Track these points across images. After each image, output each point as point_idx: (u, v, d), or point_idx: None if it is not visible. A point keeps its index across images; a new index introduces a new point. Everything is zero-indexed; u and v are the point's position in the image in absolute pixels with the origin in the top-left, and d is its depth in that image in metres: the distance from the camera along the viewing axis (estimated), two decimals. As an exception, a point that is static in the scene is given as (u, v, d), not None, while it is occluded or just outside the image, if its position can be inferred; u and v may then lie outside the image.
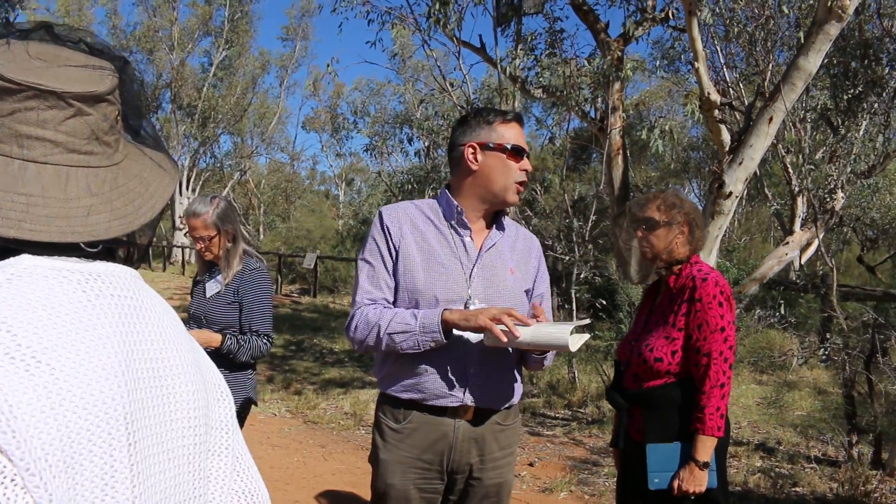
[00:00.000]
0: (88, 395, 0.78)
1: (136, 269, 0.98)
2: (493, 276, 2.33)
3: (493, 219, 2.41)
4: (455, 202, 2.34)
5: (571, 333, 2.13)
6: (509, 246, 2.42)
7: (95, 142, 0.88)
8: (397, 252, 2.29)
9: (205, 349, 3.23)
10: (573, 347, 2.14)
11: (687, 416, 2.56)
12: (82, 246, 0.86)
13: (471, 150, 2.32)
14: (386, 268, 2.29)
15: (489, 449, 2.34)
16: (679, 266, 2.70)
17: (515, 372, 2.41)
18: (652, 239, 2.69)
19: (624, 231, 2.76)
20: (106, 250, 0.92)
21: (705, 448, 2.52)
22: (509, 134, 2.32)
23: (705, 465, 2.52)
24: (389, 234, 2.31)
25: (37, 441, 0.72)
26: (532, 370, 2.49)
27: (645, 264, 2.73)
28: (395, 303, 2.31)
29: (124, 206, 0.89)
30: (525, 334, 2.13)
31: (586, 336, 2.31)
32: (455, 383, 2.25)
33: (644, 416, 2.65)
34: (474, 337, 2.25)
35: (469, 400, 2.27)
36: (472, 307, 2.25)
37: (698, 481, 2.51)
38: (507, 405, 2.37)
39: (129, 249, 0.97)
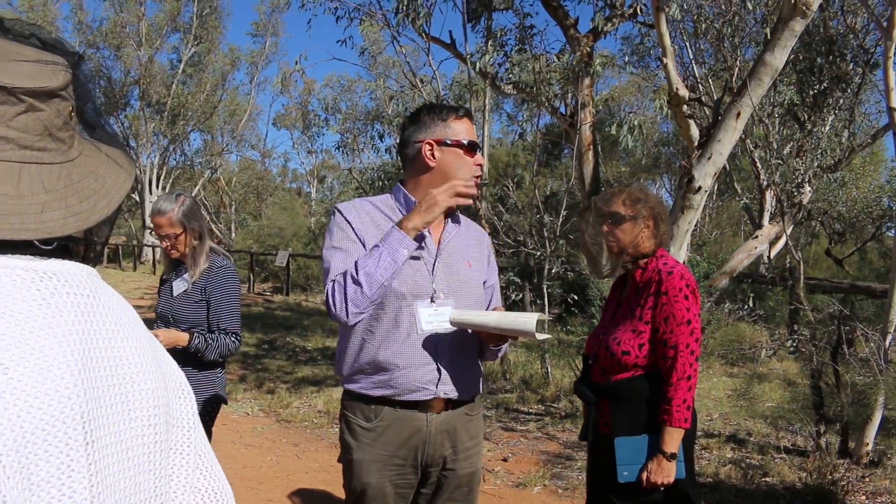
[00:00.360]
0: (43, 394, 0.76)
1: (95, 266, 0.97)
2: (454, 270, 2.38)
3: (447, 213, 2.43)
4: (413, 198, 2.37)
5: (537, 324, 2.21)
6: (464, 239, 2.47)
7: (49, 138, 0.86)
8: (363, 245, 2.30)
9: (173, 348, 3.20)
10: (538, 336, 2.23)
11: (654, 408, 2.59)
12: (36, 243, 0.85)
13: (428, 147, 2.35)
14: (357, 251, 2.28)
15: (461, 439, 2.37)
16: (645, 260, 2.73)
17: (479, 362, 2.47)
18: (618, 233, 2.72)
19: (590, 226, 2.78)
20: (61, 248, 0.90)
21: (673, 439, 2.54)
22: (463, 130, 2.37)
23: (673, 457, 2.54)
24: (352, 226, 2.32)
25: None
26: (486, 360, 2.54)
27: (611, 258, 2.75)
28: None
29: (79, 202, 0.87)
30: (492, 318, 2.21)
31: (549, 335, 2.41)
32: (428, 376, 2.28)
33: (612, 409, 2.67)
34: (442, 329, 2.28)
35: (442, 392, 2.30)
36: (437, 301, 2.30)
37: (666, 473, 2.54)
38: (474, 395, 2.43)
39: (87, 247, 0.96)
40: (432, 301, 2.30)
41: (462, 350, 2.35)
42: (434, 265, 2.34)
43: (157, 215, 3.39)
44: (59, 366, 0.79)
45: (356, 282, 2.17)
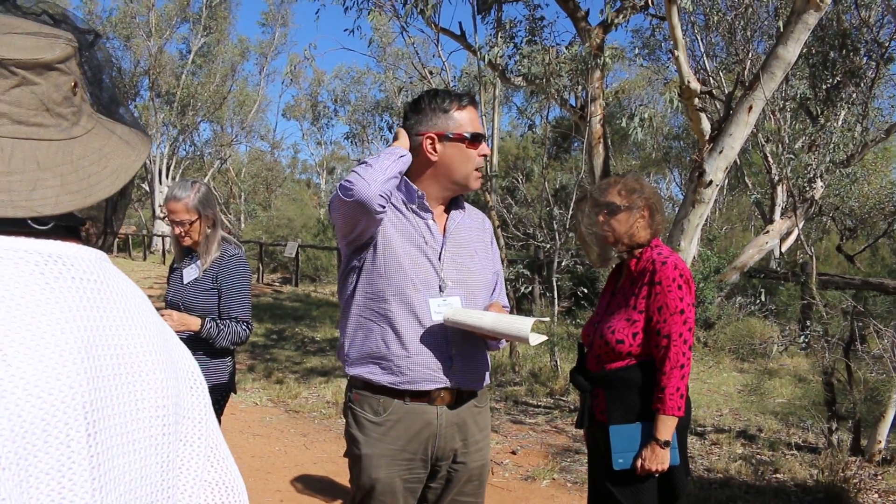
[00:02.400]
0: (44, 382, 0.74)
1: (108, 252, 0.94)
2: (461, 258, 2.34)
3: (452, 201, 2.40)
4: (415, 187, 2.30)
5: (532, 328, 2.21)
6: (469, 225, 2.41)
7: (46, 113, 0.83)
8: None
9: (184, 333, 3.19)
10: (532, 342, 2.22)
11: (648, 396, 2.62)
12: (30, 223, 0.82)
13: (429, 141, 2.27)
14: None
15: (471, 432, 2.35)
16: (640, 249, 2.75)
17: (486, 353, 2.44)
18: (613, 223, 2.73)
19: (586, 216, 2.79)
20: (69, 230, 0.88)
21: (666, 427, 2.57)
22: (466, 120, 2.28)
23: (667, 444, 2.57)
24: None
25: None
26: (489, 350, 2.52)
27: (606, 248, 2.78)
28: (365, 284, 2.29)
29: (78, 181, 0.84)
30: (488, 320, 2.19)
31: (544, 337, 2.37)
32: (439, 365, 2.25)
33: (607, 398, 2.70)
34: (437, 316, 2.25)
35: (453, 382, 2.27)
36: (446, 291, 2.27)
37: (660, 460, 2.57)
38: (482, 386, 2.41)
39: (98, 231, 0.93)
40: (441, 291, 2.26)
41: (471, 340, 2.32)
42: (441, 254, 2.30)
43: (173, 201, 3.38)
44: (62, 353, 0.76)
45: (363, 164, 2.13)
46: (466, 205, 2.48)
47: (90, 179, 0.85)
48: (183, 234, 3.40)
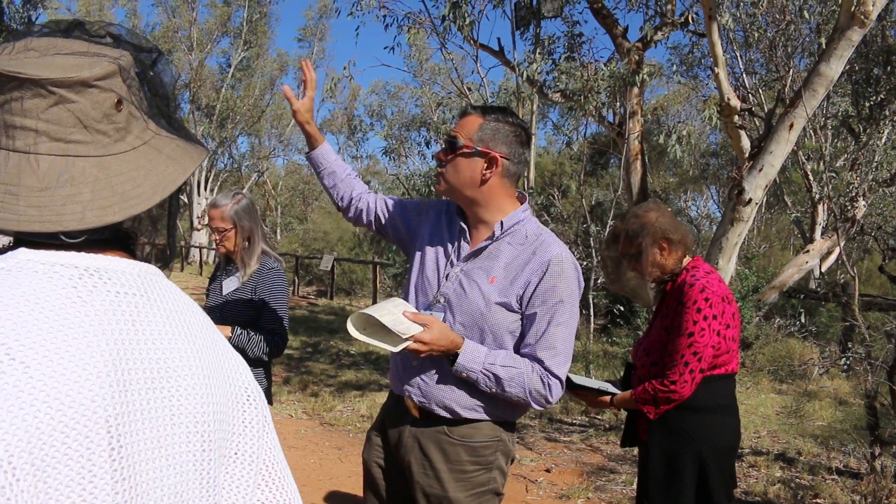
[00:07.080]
0: (64, 395, 0.74)
1: (164, 266, 0.96)
2: (468, 282, 2.21)
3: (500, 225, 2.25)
4: (456, 204, 2.37)
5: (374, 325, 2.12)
6: (510, 254, 2.21)
7: (84, 130, 0.85)
8: (415, 229, 2.45)
9: None
10: (353, 331, 2.11)
11: (688, 413, 2.72)
12: (62, 237, 0.83)
13: None
14: (393, 203, 2.52)
15: (432, 457, 2.23)
16: (676, 274, 2.85)
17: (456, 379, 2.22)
18: (639, 267, 2.84)
19: (613, 273, 2.95)
20: (117, 243, 0.89)
21: (625, 403, 2.85)
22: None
23: (612, 406, 2.90)
24: (419, 208, 2.49)
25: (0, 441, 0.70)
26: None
27: (646, 286, 2.93)
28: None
29: (111, 196, 0.85)
30: (377, 310, 2.11)
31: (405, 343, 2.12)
32: (402, 373, 2.31)
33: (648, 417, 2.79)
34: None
35: (409, 393, 2.27)
36: (435, 308, 2.26)
37: (596, 406, 2.97)
38: (457, 416, 2.21)
39: (150, 245, 0.95)
40: (431, 305, 2.27)
41: (438, 362, 2.20)
42: (451, 271, 2.26)
43: (212, 208, 3.52)
44: (85, 367, 0.77)
45: None
46: (535, 236, 2.24)
47: (125, 195, 0.86)
48: (218, 240, 3.52)
